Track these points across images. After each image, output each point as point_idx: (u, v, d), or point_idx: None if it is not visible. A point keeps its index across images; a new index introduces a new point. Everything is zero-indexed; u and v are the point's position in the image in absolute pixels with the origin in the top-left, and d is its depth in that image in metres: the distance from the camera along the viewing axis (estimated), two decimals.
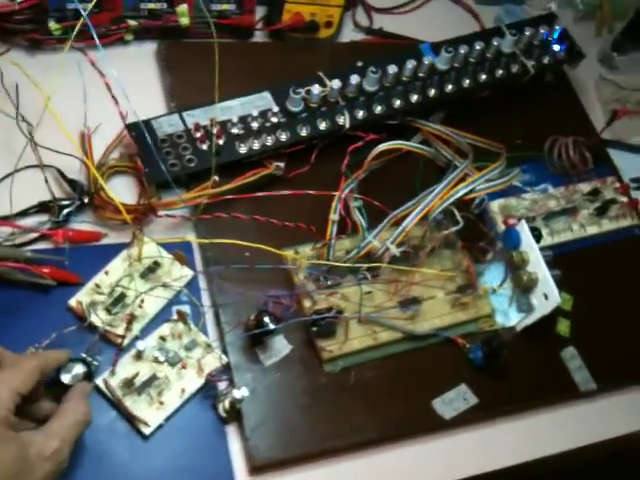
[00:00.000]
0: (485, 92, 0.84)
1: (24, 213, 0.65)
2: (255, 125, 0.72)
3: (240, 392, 0.58)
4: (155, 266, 0.64)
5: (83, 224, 0.66)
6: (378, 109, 0.77)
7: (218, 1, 0.81)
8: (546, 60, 0.86)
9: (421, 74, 0.79)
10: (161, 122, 0.71)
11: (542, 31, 0.85)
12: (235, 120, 0.72)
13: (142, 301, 0.61)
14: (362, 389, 0.66)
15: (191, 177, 0.69)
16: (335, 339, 0.66)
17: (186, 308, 0.63)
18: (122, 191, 0.69)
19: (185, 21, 0.79)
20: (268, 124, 0.73)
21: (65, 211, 0.65)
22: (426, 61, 0.78)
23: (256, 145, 0.72)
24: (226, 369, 0.62)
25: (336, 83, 0.75)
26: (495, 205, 0.78)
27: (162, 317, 0.62)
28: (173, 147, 0.69)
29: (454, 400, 0.67)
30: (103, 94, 0.70)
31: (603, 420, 0.73)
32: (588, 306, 0.76)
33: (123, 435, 0.58)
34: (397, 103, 0.78)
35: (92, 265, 0.63)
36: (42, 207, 0.65)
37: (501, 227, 0.76)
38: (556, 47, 0.86)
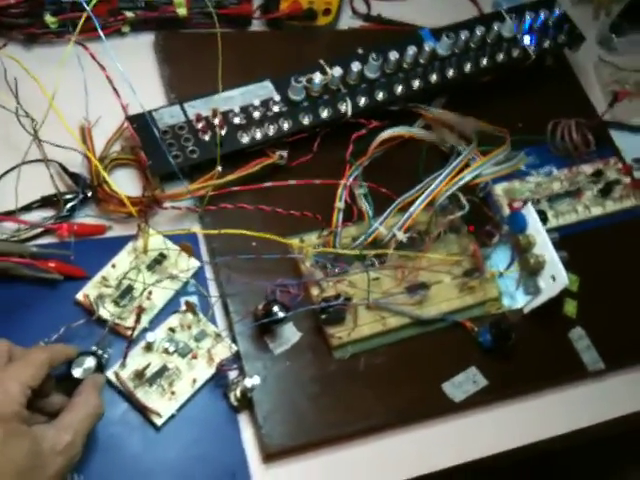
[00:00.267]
0: (486, 77, 0.84)
1: (27, 208, 0.65)
2: (257, 115, 0.72)
3: (251, 380, 0.58)
4: (161, 258, 0.64)
5: (87, 218, 0.66)
6: (380, 96, 0.77)
7: None
8: (547, 44, 0.85)
9: (422, 60, 0.79)
10: (162, 113, 0.70)
11: (542, 15, 0.84)
12: (237, 110, 0.71)
13: (150, 293, 0.61)
14: (372, 375, 0.66)
15: (193, 168, 0.69)
16: (344, 326, 0.66)
17: (194, 299, 0.63)
18: (124, 184, 0.68)
19: (182, 12, 0.78)
20: (270, 113, 0.73)
21: (69, 205, 0.65)
22: (427, 47, 0.78)
23: (258, 135, 0.71)
24: (236, 358, 0.62)
25: (337, 71, 0.74)
26: (499, 189, 0.78)
27: (170, 308, 0.62)
28: (175, 139, 0.69)
29: (464, 383, 0.67)
30: (102, 87, 0.70)
31: (611, 399, 0.73)
32: (594, 286, 0.76)
33: (135, 427, 0.58)
34: (399, 89, 0.77)
35: (98, 258, 0.63)
36: (45, 202, 0.65)
37: (506, 210, 0.76)
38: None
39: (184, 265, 0.64)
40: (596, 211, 0.81)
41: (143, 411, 0.58)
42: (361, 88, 0.76)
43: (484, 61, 0.81)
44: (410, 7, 0.96)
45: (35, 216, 0.65)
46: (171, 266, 0.64)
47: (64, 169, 0.67)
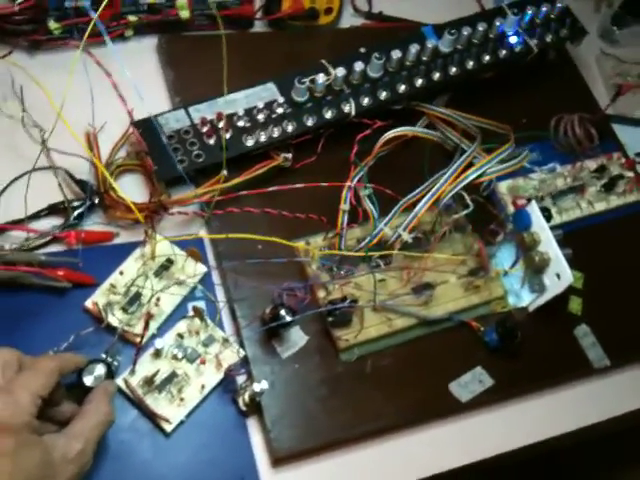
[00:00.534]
0: (489, 73, 0.84)
1: (36, 216, 0.65)
2: (261, 117, 0.72)
3: (260, 385, 0.59)
4: (169, 264, 0.64)
5: (95, 225, 0.66)
6: (383, 95, 0.77)
7: None
8: (549, 38, 0.85)
9: (425, 58, 0.79)
10: (167, 118, 0.70)
11: (544, 9, 0.84)
12: (241, 113, 0.72)
13: (158, 299, 0.62)
14: (379, 376, 0.66)
15: (199, 173, 0.69)
16: (351, 328, 0.66)
17: (201, 304, 0.63)
18: (131, 189, 0.69)
19: (185, 14, 0.78)
20: (274, 115, 0.73)
21: (76, 212, 0.65)
22: (429, 44, 0.78)
23: (263, 137, 0.71)
24: (244, 363, 0.62)
25: (340, 71, 0.75)
26: (503, 186, 0.78)
27: (178, 314, 0.63)
28: (181, 143, 0.69)
29: (470, 383, 0.68)
30: (107, 92, 0.71)
31: (618, 396, 0.73)
32: (599, 283, 0.76)
33: (145, 433, 0.58)
34: (402, 88, 0.77)
35: (106, 265, 0.63)
36: (53, 209, 0.66)
37: (510, 208, 0.76)
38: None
39: (191, 270, 0.64)
40: (600, 206, 0.81)
41: (153, 418, 0.58)
42: (364, 88, 0.76)
43: (486, 57, 0.81)
44: (412, 3, 0.96)
45: (43, 224, 0.65)
46: (178, 272, 0.64)
47: (71, 176, 0.67)
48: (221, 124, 0.70)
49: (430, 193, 0.70)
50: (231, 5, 0.82)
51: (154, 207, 0.65)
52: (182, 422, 0.59)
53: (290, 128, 0.73)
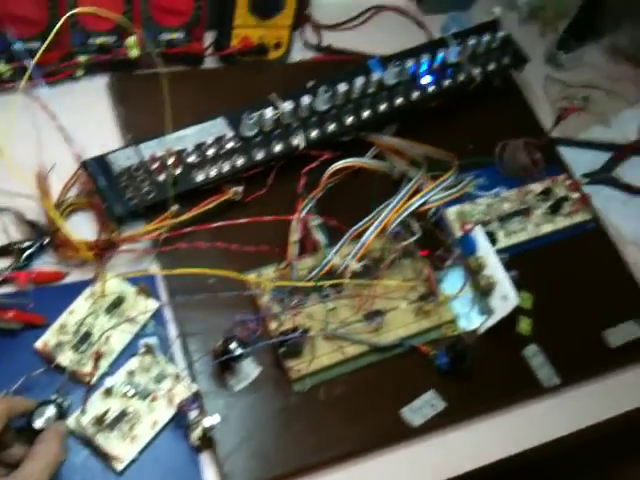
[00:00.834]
0: (434, 102, 0.86)
1: None
2: (211, 152, 0.73)
3: (211, 419, 0.59)
4: (119, 301, 0.65)
5: (45, 264, 0.67)
6: (331, 127, 0.78)
7: (167, 30, 0.82)
8: (491, 67, 0.88)
9: (370, 90, 0.81)
10: (117, 156, 0.71)
11: (485, 39, 0.87)
12: (191, 149, 0.73)
13: (108, 337, 0.62)
14: (333, 404, 0.67)
15: (150, 209, 0.70)
16: (302, 358, 0.67)
17: (153, 340, 0.64)
18: (84, 227, 0.69)
19: (135, 53, 0.80)
20: (223, 150, 0.74)
21: (26, 253, 0.66)
22: (374, 77, 0.80)
23: (213, 172, 0.73)
24: (196, 398, 0.63)
25: (288, 105, 0.76)
26: (451, 212, 0.80)
27: (130, 351, 0.63)
28: (131, 180, 0.70)
29: (422, 407, 0.69)
30: (58, 133, 0.71)
31: (568, 413, 0.75)
32: (548, 303, 0.78)
33: (97, 473, 0.58)
34: (349, 120, 0.79)
35: (57, 305, 0.64)
36: (2, 251, 0.66)
37: (458, 234, 0.78)
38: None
39: (142, 307, 0.65)
40: (547, 228, 0.83)
41: (104, 457, 0.59)
42: (312, 121, 0.78)
43: (431, 87, 0.83)
44: (361, 36, 0.98)
45: None
46: (129, 308, 0.65)
47: (21, 217, 0.68)
48: (170, 160, 0.71)
49: (377, 222, 0.72)
50: (181, 43, 0.84)
51: (104, 245, 0.66)
52: (134, 460, 0.59)
53: (240, 162, 0.74)
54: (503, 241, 0.80)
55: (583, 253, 0.85)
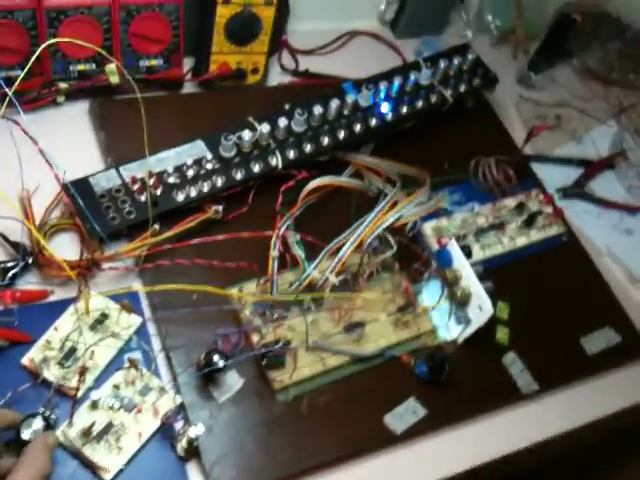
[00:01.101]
0: (409, 123, 0.89)
1: None
2: (191, 173, 0.75)
3: (196, 430, 0.60)
4: (103, 317, 0.66)
5: (30, 284, 0.68)
6: (308, 148, 0.81)
7: (146, 57, 0.85)
8: (462, 88, 0.91)
9: (346, 112, 0.83)
10: (98, 178, 0.73)
11: (456, 61, 0.90)
12: (171, 170, 0.75)
13: (93, 352, 0.63)
14: (316, 414, 0.69)
15: (132, 228, 0.72)
16: (285, 369, 0.68)
17: (137, 354, 0.65)
18: (66, 247, 0.71)
19: (115, 80, 0.82)
20: (203, 171, 0.76)
21: (11, 273, 0.67)
22: (349, 99, 0.83)
23: (193, 192, 0.75)
24: (181, 409, 0.64)
25: (265, 127, 0.79)
26: (428, 227, 0.82)
27: (115, 366, 0.65)
28: (112, 201, 0.72)
29: (404, 414, 0.70)
30: (39, 157, 0.73)
31: (548, 419, 0.77)
32: (524, 313, 0.81)
33: None
34: (325, 141, 0.82)
35: (42, 322, 0.65)
36: None
37: (435, 247, 0.80)
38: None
39: (125, 322, 0.66)
40: (521, 241, 0.86)
41: (92, 468, 0.59)
42: (289, 142, 0.80)
43: (404, 109, 0.86)
44: (337, 60, 1.02)
45: None
46: (113, 325, 0.66)
47: (5, 238, 0.69)
48: (150, 182, 0.73)
49: (354, 237, 0.74)
50: (160, 69, 0.86)
51: (86, 264, 0.67)
52: (121, 470, 0.60)
53: (219, 182, 0.76)
54: (479, 254, 0.83)
55: (558, 264, 0.87)
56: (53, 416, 0.60)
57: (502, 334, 0.78)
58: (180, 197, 0.74)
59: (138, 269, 0.70)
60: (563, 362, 0.80)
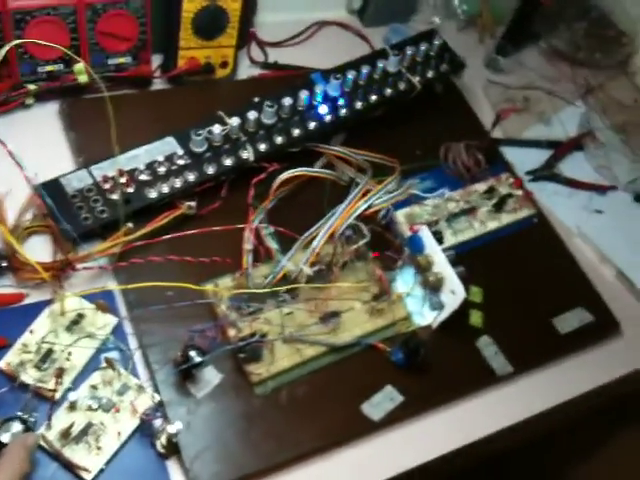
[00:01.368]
0: (378, 111, 0.89)
1: None
2: (162, 170, 0.76)
3: (174, 426, 0.61)
4: (79, 318, 0.66)
5: (4, 287, 0.68)
6: (279, 140, 0.81)
7: (114, 55, 0.84)
8: (430, 74, 0.91)
9: (315, 102, 0.84)
10: (70, 178, 0.73)
11: (423, 47, 0.90)
12: (142, 167, 0.75)
13: (69, 354, 0.64)
14: (295, 405, 0.69)
15: (106, 227, 0.72)
16: (262, 362, 0.69)
17: (114, 354, 0.66)
18: (41, 249, 0.71)
19: (84, 79, 0.82)
20: (175, 167, 0.76)
21: None
22: (318, 90, 0.83)
23: (165, 188, 0.75)
24: (160, 407, 0.64)
25: (235, 120, 0.79)
26: (400, 215, 0.83)
27: (92, 366, 0.65)
28: (84, 201, 0.72)
29: (381, 402, 0.71)
30: (10, 160, 0.73)
31: (524, 400, 0.78)
32: (498, 295, 0.82)
33: None
34: (296, 132, 0.82)
35: (18, 325, 0.65)
36: None
37: (407, 234, 0.81)
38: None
39: (101, 322, 0.67)
40: (492, 225, 0.87)
41: (72, 469, 0.60)
42: (260, 134, 0.81)
43: (373, 97, 0.87)
44: (306, 51, 1.02)
45: None
46: (89, 325, 0.66)
47: None
48: (122, 180, 0.73)
49: (325, 228, 0.75)
50: (129, 66, 0.86)
51: (61, 265, 0.67)
52: (102, 470, 0.61)
53: (192, 178, 0.76)
54: (451, 239, 0.84)
55: (529, 246, 0.88)
56: (32, 419, 0.60)
57: (476, 318, 0.79)
58: (152, 194, 0.74)
59: (112, 268, 0.70)
60: (537, 343, 0.81)
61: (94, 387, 0.63)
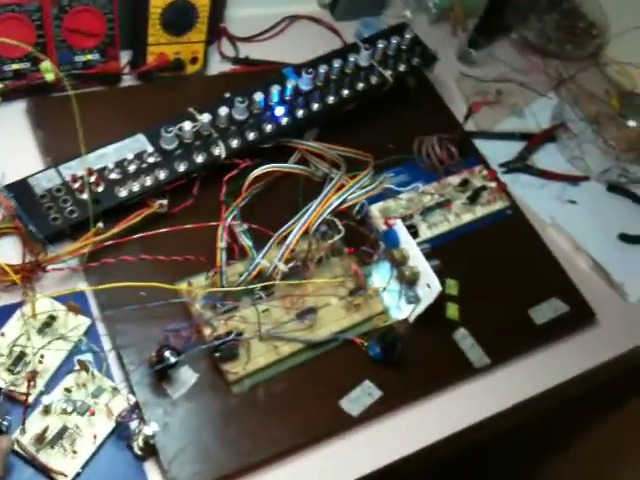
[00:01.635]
0: (351, 105, 0.89)
1: None
2: (132, 168, 0.75)
3: (150, 428, 0.60)
4: (51, 320, 0.65)
5: None
6: (251, 136, 0.80)
7: (81, 52, 0.83)
8: (402, 68, 0.91)
9: (287, 97, 0.83)
10: (38, 178, 0.72)
11: (394, 41, 0.90)
12: (111, 166, 0.74)
13: (42, 356, 0.63)
14: (273, 402, 0.69)
15: (76, 227, 0.71)
16: (239, 360, 0.68)
17: (88, 356, 0.65)
18: (10, 251, 0.70)
19: (50, 77, 0.80)
20: (145, 165, 0.75)
21: None
22: (289, 84, 0.83)
23: (136, 187, 0.74)
24: (136, 408, 0.64)
25: (206, 117, 0.78)
26: (375, 209, 0.83)
27: (66, 369, 0.64)
28: (53, 201, 0.71)
29: (360, 397, 0.71)
30: None
31: (502, 391, 0.78)
32: (474, 288, 0.82)
33: None
34: (268, 128, 0.81)
35: None
36: None
37: (383, 229, 0.81)
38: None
39: (73, 324, 0.66)
40: (467, 218, 0.87)
41: (48, 474, 0.59)
42: (232, 130, 0.80)
43: (345, 91, 0.86)
44: (277, 45, 1.01)
45: None
46: (61, 327, 0.65)
47: None
48: (91, 179, 0.71)
49: (300, 224, 0.74)
50: (97, 63, 0.85)
51: (30, 267, 0.66)
52: (79, 474, 0.60)
53: (162, 175, 0.75)
54: (426, 233, 0.84)
55: (504, 238, 0.89)
56: (5, 422, 0.59)
57: (452, 310, 0.79)
58: (123, 193, 0.73)
59: (83, 269, 0.69)
60: (513, 334, 0.81)
61: (68, 390, 0.62)
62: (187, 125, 0.77)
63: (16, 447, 0.59)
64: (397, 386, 0.73)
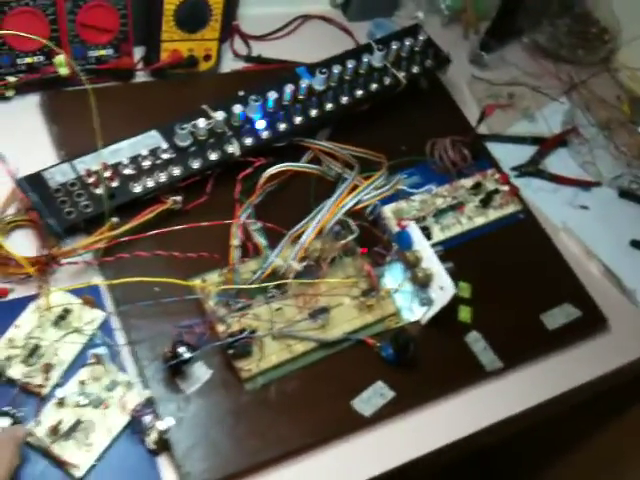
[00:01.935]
0: (364, 106, 0.89)
1: None
2: (147, 164, 0.74)
3: (164, 423, 0.60)
4: (65, 313, 0.65)
5: None
6: (265, 134, 0.80)
7: (95, 48, 0.83)
8: (415, 69, 0.91)
9: (300, 96, 0.83)
10: (53, 172, 0.72)
11: (407, 43, 0.90)
12: (126, 161, 0.74)
13: (57, 349, 0.63)
14: (284, 401, 0.69)
15: (90, 221, 0.71)
16: (252, 358, 0.68)
17: (102, 350, 0.64)
18: (25, 244, 0.70)
19: (64, 71, 0.80)
20: (159, 161, 0.75)
21: None
22: (303, 84, 0.83)
23: (150, 183, 0.74)
24: (149, 403, 0.63)
25: (220, 114, 0.78)
26: (388, 210, 0.83)
27: (80, 362, 0.64)
28: (67, 195, 0.70)
29: (372, 397, 0.71)
30: None
31: (514, 395, 0.78)
32: (486, 291, 0.81)
33: None
34: (282, 127, 0.81)
35: (3, 321, 0.64)
36: None
37: (395, 230, 0.81)
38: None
39: (88, 317, 0.66)
40: (479, 220, 0.87)
41: (62, 465, 0.59)
42: (246, 128, 0.80)
43: (359, 92, 0.86)
44: (290, 44, 1.01)
45: None
46: (76, 320, 0.65)
47: None
48: (106, 174, 0.71)
49: (314, 223, 0.74)
50: (110, 59, 0.84)
51: (45, 260, 0.66)
52: (93, 467, 0.60)
53: (177, 172, 0.75)
54: (439, 235, 0.83)
55: (516, 242, 0.88)
56: (20, 414, 0.59)
57: (464, 313, 0.79)
58: (137, 188, 0.73)
59: (98, 263, 0.68)
60: (525, 339, 0.81)
61: (82, 383, 0.62)
62: (201, 122, 0.77)
63: (30, 439, 0.59)
64: (409, 387, 0.73)
